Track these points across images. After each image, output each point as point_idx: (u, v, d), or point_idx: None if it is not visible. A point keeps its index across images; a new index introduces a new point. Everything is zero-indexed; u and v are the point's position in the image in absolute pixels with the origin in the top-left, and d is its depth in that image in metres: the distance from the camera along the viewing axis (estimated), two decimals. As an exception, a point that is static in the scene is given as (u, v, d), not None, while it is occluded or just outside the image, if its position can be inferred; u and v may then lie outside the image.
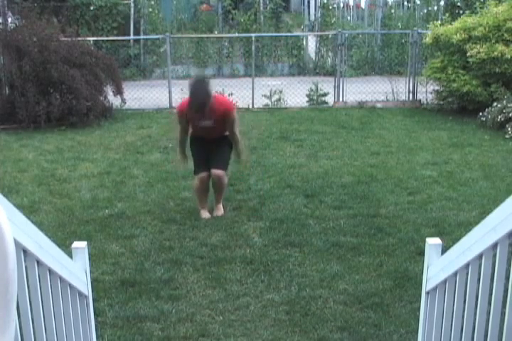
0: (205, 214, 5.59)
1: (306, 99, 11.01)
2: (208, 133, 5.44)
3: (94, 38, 12.17)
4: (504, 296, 1.81)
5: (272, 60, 15.15)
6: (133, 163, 7.37)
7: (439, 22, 10.81)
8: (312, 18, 17.70)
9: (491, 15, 9.49)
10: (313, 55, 15.40)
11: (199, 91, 5.10)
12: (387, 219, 5.42)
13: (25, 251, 1.74)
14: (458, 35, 9.39)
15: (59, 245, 2.10)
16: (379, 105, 10.84)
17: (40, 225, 2.36)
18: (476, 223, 2.00)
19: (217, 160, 5.49)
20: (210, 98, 5.10)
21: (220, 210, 5.64)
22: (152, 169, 7.11)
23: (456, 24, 9.75)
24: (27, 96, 9.01)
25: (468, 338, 2.12)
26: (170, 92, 11.00)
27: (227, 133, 5.49)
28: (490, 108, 8.98)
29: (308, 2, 19.10)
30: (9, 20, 11.39)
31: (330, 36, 14.48)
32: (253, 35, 12.85)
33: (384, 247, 4.82)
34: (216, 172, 5.44)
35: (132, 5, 14.65)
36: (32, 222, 1.78)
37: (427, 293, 2.63)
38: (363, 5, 18.35)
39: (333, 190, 6.26)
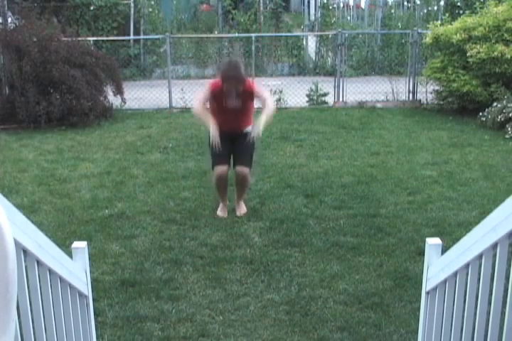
0: (222, 211, 5.54)
1: (306, 99, 11.01)
2: (231, 118, 5.33)
3: (94, 38, 12.17)
4: (504, 296, 1.81)
5: (272, 60, 15.14)
6: (133, 163, 7.37)
7: (439, 22, 10.82)
8: (312, 18, 17.70)
9: (491, 15, 9.49)
10: (313, 55, 15.40)
11: (234, 71, 5.12)
12: (387, 219, 5.42)
13: (25, 251, 1.74)
14: (458, 35, 9.39)
15: (59, 245, 2.10)
16: (379, 105, 10.84)
17: (40, 225, 2.36)
18: (476, 223, 2.00)
19: (242, 157, 5.40)
20: (242, 78, 5.14)
21: (242, 208, 5.58)
22: (152, 169, 7.11)
23: (456, 24, 9.75)
24: (27, 96, 9.01)
25: (468, 338, 2.12)
26: (170, 92, 11.00)
27: (249, 128, 5.37)
28: (490, 108, 8.98)
29: (308, 2, 19.09)
30: (9, 20, 11.38)
31: (330, 36, 14.48)
32: (253, 35, 12.84)
33: (384, 247, 4.82)
34: (241, 169, 5.35)
35: (132, 5, 14.65)
36: (32, 222, 1.78)
37: (427, 293, 2.63)
38: (363, 5, 18.35)
39: (333, 190, 6.26)
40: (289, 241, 4.98)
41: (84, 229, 5.27)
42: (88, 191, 6.35)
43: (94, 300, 2.87)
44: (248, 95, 5.29)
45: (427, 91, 10.75)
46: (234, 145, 5.41)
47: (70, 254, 2.42)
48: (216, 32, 16.32)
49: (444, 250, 2.43)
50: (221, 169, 5.37)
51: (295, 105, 10.85)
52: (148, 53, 14.78)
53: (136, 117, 10.16)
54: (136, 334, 3.62)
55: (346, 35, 11.87)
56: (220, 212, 5.57)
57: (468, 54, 9.30)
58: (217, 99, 5.31)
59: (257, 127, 5.24)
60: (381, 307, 3.90)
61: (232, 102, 5.26)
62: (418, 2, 16.21)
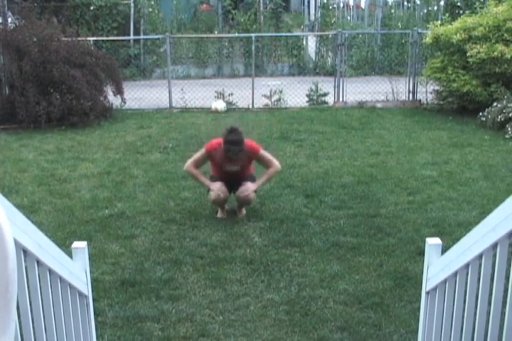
0: (221, 214, 5.58)
1: (306, 99, 11.01)
2: (231, 177, 5.45)
3: (94, 38, 12.16)
4: (504, 296, 1.81)
5: (272, 60, 15.14)
6: (133, 163, 7.37)
7: (439, 22, 10.82)
8: (312, 18, 17.71)
9: (491, 15, 9.49)
10: (313, 55, 15.40)
11: (236, 139, 5.17)
12: (387, 219, 5.42)
13: (25, 251, 1.74)
14: (458, 35, 9.39)
15: (59, 245, 2.10)
16: (379, 105, 10.84)
17: (40, 225, 2.36)
18: (476, 223, 2.00)
19: (243, 185, 5.42)
20: (244, 146, 5.21)
21: (242, 212, 5.60)
22: (152, 169, 7.11)
23: (456, 24, 9.75)
24: (27, 96, 9.01)
25: (468, 338, 2.12)
26: (170, 92, 11.00)
27: (249, 172, 5.50)
28: (490, 108, 8.98)
29: (308, 2, 19.10)
30: (9, 20, 11.38)
31: (330, 36, 14.48)
32: (253, 35, 12.83)
33: (384, 247, 4.82)
34: (243, 194, 5.38)
35: (132, 5, 14.65)
36: (32, 222, 1.78)
37: (427, 293, 2.63)
38: (363, 5, 18.35)
39: (333, 190, 6.26)
40: (289, 241, 4.98)
41: (84, 229, 5.27)
42: (88, 191, 6.34)
43: (94, 300, 2.86)
44: (249, 158, 5.36)
45: (427, 92, 10.75)
46: (236, 185, 5.50)
47: (70, 254, 2.42)
48: (216, 32, 16.32)
49: (444, 250, 2.43)
50: (223, 197, 5.42)
51: (295, 105, 10.84)
52: (148, 53, 14.78)
53: (136, 117, 10.16)
54: (136, 334, 3.62)
55: (346, 35, 11.87)
56: (220, 214, 5.60)
57: (468, 54, 9.30)
58: (215, 162, 5.41)
59: (254, 185, 5.41)
60: (381, 307, 3.90)
61: (231, 167, 5.37)
62: (418, 2, 16.21)
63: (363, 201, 5.92)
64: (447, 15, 12.47)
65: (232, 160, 5.31)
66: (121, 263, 4.59)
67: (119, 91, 10.05)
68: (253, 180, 5.51)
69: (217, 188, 5.36)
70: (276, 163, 5.46)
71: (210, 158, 5.43)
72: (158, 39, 13.99)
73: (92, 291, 2.76)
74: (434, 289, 2.50)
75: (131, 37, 14.44)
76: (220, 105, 10.59)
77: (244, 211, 5.62)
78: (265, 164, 5.47)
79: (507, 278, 1.84)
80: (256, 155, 5.39)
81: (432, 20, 12.73)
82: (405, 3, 17.25)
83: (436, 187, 6.37)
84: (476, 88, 9.37)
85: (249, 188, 5.38)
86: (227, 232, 5.18)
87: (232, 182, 5.47)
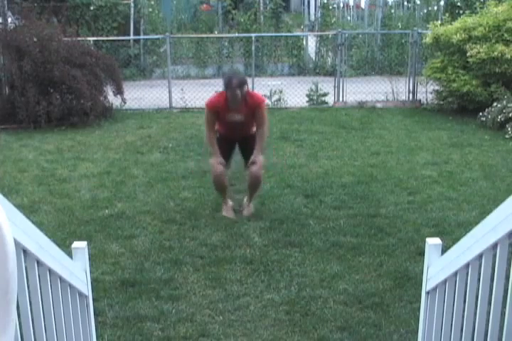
0: (227, 211, 5.52)
1: (306, 99, 11.01)
2: (236, 129, 5.38)
3: (94, 38, 12.16)
4: (504, 296, 1.81)
5: (272, 60, 15.14)
6: (133, 163, 7.37)
7: (439, 22, 10.80)
8: (312, 18, 17.72)
9: (491, 15, 9.49)
10: (313, 55, 15.40)
11: (235, 78, 5.13)
12: (387, 219, 5.42)
13: (25, 251, 1.74)
14: (458, 35, 9.39)
15: (59, 245, 2.10)
16: (379, 105, 10.84)
17: (40, 225, 2.36)
18: (476, 223, 2.00)
19: (252, 160, 5.37)
20: (245, 85, 5.14)
21: (250, 210, 5.56)
22: (152, 169, 7.11)
23: (456, 24, 9.75)
24: (27, 96, 9.01)
25: (468, 338, 2.12)
26: (170, 92, 11.01)
27: (254, 130, 5.40)
28: (490, 108, 8.98)
29: (308, 2, 19.11)
30: (9, 20, 11.38)
31: (330, 36, 14.48)
32: (253, 35, 12.84)
33: (384, 247, 4.82)
34: (255, 169, 5.34)
35: (132, 5, 14.64)
36: (32, 222, 1.78)
37: (427, 293, 2.63)
38: (363, 5, 18.35)
39: (333, 190, 6.26)
40: (289, 241, 4.98)
41: (84, 229, 5.27)
42: (88, 191, 6.34)
43: (94, 300, 2.86)
44: (251, 109, 5.26)
45: (427, 91, 10.75)
46: (240, 148, 5.52)
47: (70, 254, 2.42)
48: (216, 32, 16.32)
49: (444, 250, 2.43)
50: (220, 169, 5.39)
51: (295, 105, 10.84)
52: (148, 53, 14.78)
53: (136, 117, 10.16)
54: (136, 334, 3.62)
55: (346, 35, 11.87)
56: (225, 212, 5.55)
57: (468, 54, 9.30)
58: (218, 115, 5.33)
59: (257, 158, 5.33)
60: (381, 307, 3.90)
61: (233, 116, 5.29)
62: (418, 2, 16.20)
63: (363, 201, 5.92)
64: (447, 15, 12.46)
65: (235, 108, 5.19)
66: (121, 263, 4.59)
67: (119, 91, 10.05)
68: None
69: (215, 161, 5.33)
70: (266, 124, 5.35)
71: (212, 113, 5.30)
72: (158, 39, 13.98)
73: (92, 291, 2.76)
74: (434, 289, 2.50)
75: (131, 37, 14.43)
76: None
77: (251, 209, 5.57)
78: (258, 120, 5.33)
79: (507, 278, 1.84)
80: (259, 105, 5.26)
81: (431, 20, 12.71)
82: (405, 3, 17.24)
83: (436, 187, 6.37)
84: (476, 88, 9.37)
85: (258, 161, 5.31)
86: (227, 232, 5.18)
87: (238, 137, 5.44)
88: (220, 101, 5.24)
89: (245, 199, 5.67)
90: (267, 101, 10.79)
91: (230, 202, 5.63)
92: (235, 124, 5.33)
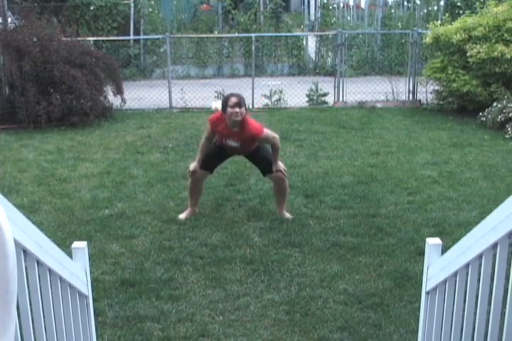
0: (185, 214, 5.48)
1: (306, 99, 11.01)
2: (233, 151, 5.45)
3: (94, 38, 12.17)
4: (504, 296, 1.81)
5: (272, 60, 15.15)
6: (133, 163, 7.37)
7: (439, 22, 10.81)
8: (312, 18, 17.72)
9: (491, 15, 9.49)
10: (313, 55, 15.40)
11: (234, 97, 5.17)
12: (387, 219, 5.42)
13: (25, 251, 1.74)
14: (458, 35, 9.39)
15: (59, 245, 2.10)
16: (379, 105, 10.84)
17: (40, 225, 2.36)
18: (476, 223, 2.00)
19: (268, 164, 5.39)
20: (243, 106, 5.14)
21: (288, 216, 5.48)
22: (152, 169, 7.11)
23: (456, 24, 9.75)
24: (27, 96, 9.01)
25: (468, 338, 2.12)
26: (170, 92, 11.01)
27: (254, 147, 5.43)
28: (490, 108, 8.98)
29: (308, 2, 19.11)
30: (9, 20, 11.38)
31: (330, 36, 14.49)
32: (253, 35, 12.84)
33: (384, 247, 4.82)
34: (277, 174, 5.37)
35: (132, 5, 14.64)
36: (32, 222, 1.78)
37: (427, 293, 2.63)
38: (363, 5, 18.36)
39: (333, 190, 6.25)
40: (289, 241, 4.97)
41: (84, 229, 5.27)
42: (88, 191, 6.34)
43: (94, 300, 2.87)
44: (249, 138, 5.24)
45: (427, 91, 10.75)
46: (248, 158, 5.59)
47: (70, 254, 2.42)
48: (216, 32, 16.33)
49: (444, 250, 2.43)
50: (200, 173, 5.45)
51: (295, 105, 10.84)
52: (148, 53, 14.78)
53: (136, 117, 10.16)
54: (136, 334, 3.62)
55: (346, 35, 11.87)
56: (183, 214, 5.50)
57: (468, 54, 9.30)
58: (218, 133, 5.34)
59: (278, 166, 5.38)
60: (381, 307, 3.90)
61: (230, 142, 5.30)
62: (418, 2, 16.20)
63: (363, 201, 5.92)
64: (447, 15, 12.46)
65: (234, 133, 5.19)
66: (121, 263, 4.59)
67: (119, 91, 10.06)
68: (264, 150, 5.45)
69: (195, 167, 5.44)
70: (276, 139, 5.32)
71: (213, 129, 5.33)
72: (158, 39, 13.99)
73: (92, 291, 2.76)
74: (434, 289, 2.50)
75: (131, 37, 14.44)
76: (220, 105, 10.58)
77: (288, 214, 5.50)
78: (268, 142, 5.38)
79: (507, 278, 1.84)
80: (259, 138, 5.26)
81: (432, 20, 12.72)
82: (405, 3, 17.25)
83: (436, 187, 6.37)
84: (476, 88, 9.37)
85: (280, 167, 5.37)
86: (227, 232, 5.18)
87: (237, 154, 5.54)
88: (222, 120, 5.24)
89: (277, 212, 5.56)
90: (266, 101, 10.82)
91: (196, 210, 5.55)
92: (233, 148, 5.38)
